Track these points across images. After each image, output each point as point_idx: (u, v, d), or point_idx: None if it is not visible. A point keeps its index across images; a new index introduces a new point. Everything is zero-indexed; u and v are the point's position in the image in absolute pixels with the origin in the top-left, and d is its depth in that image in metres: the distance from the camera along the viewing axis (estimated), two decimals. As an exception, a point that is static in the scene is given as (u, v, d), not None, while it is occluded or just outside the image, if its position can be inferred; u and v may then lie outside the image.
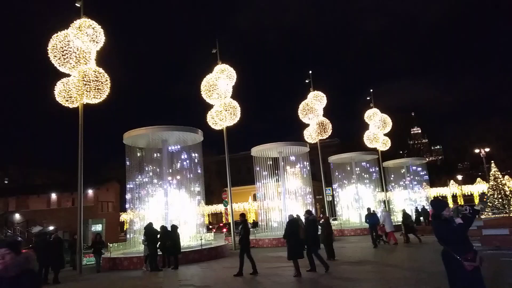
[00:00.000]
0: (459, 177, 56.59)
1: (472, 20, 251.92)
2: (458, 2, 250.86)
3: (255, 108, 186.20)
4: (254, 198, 45.52)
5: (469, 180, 59.20)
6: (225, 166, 24.06)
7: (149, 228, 15.39)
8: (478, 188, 50.80)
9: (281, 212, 23.78)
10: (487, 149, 46.22)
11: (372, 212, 19.10)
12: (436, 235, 5.04)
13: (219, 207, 55.82)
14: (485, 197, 28.96)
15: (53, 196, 43.90)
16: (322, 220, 15.15)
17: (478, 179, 53.12)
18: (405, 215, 19.15)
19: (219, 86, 22.89)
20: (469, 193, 52.53)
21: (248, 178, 54.77)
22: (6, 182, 62.71)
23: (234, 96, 23.98)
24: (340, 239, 22.83)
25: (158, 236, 15.25)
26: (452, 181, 54.34)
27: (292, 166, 25.66)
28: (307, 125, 31.73)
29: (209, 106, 24.13)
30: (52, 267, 13.74)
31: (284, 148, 24.66)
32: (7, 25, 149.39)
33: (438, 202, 5.40)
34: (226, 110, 23.16)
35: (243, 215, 13.30)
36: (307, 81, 31.67)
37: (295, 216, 12.66)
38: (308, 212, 13.30)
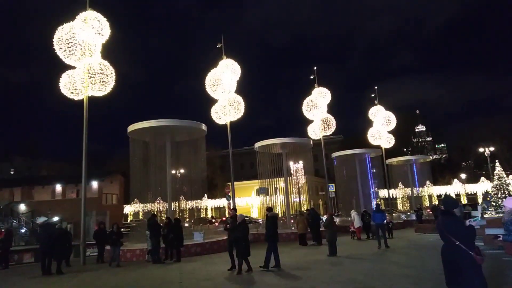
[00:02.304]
0: (463, 176, 56.25)
1: (479, 20, 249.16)
2: (467, 3, 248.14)
3: (260, 103, 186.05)
4: (257, 193, 45.66)
5: (473, 179, 58.93)
6: (228, 160, 24.13)
7: (151, 221, 15.48)
8: (482, 187, 50.58)
9: (283, 207, 23.85)
10: (492, 148, 45.92)
11: (380, 209, 17.86)
12: (449, 230, 5.10)
13: (222, 202, 56.07)
14: (489, 196, 28.85)
15: (58, 187, 44.28)
16: (326, 216, 15.12)
17: (482, 178, 52.87)
18: (363, 213, 21.58)
19: (224, 80, 22.88)
20: (473, 192, 52.33)
21: (251, 173, 54.90)
22: (11, 172, 63.21)
23: (238, 91, 24.00)
24: (343, 236, 22.81)
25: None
26: (456, 180, 54.13)
27: (295, 161, 25.72)
28: (311, 121, 31.68)
29: (214, 101, 24.15)
30: (55, 258, 13.83)
31: (287, 144, 24.67)
32: (14, 18, 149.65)
33: (452, 199, 5.64)
34: (230, 105, 23.17)
35: (235, 210, 13.08)
36: (311, 77, 31.56)
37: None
38: (268, 209, 13.18)
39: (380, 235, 16.15)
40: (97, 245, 17.04)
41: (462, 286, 4.93)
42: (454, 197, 49.94)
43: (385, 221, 17.29)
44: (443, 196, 48.51)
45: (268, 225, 12.27)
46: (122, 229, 20.70)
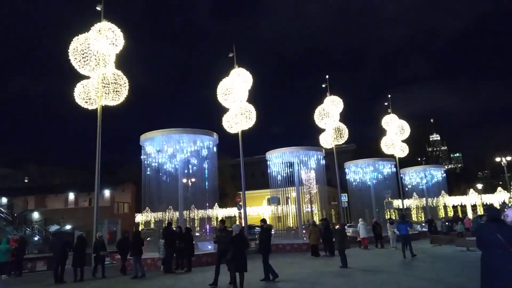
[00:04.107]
0: (479, 186, 55.05)
1: (493, 28, 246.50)
2: (480, 12, 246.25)
3: (271, 112, 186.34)
4: (269, 202, 45.39)
5: (490, 189, 57.61)
6: (239, 169, 24.04)
7: (167, 230, 15.43)
8: (499, 197, 49.36)
9: (296, 218, 23.59)
10: (509, 158, 44.91)
11: (405, 220, 17.42)
12: (506, 237, 5.12)
13: (233, 211, 55.84)
14: (506, 206, 28.12)
15: (71, 195, 44.77)
16: (338, 226, 14.89)
17: (499, 189, 51.64)
18: (374, 225, 21.81)
19: (235, 89, 22.94)
20: (489, 203, 51.09)
21: (262, 182, 54.63)
22: (26, 181, 64.16)
23: (250, 100, 24.02)
24: (355, 246, 22.42)
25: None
26: (471, 190, 53.00)
27: (307, 171, 25.49)
28: (323, 130, 31.46)
29: (225, 110, 24.20)
30: (72, 265, 13.83)
31: (299, 153, 24.50)
32: (31, 29, 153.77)
33: (497, 209, 6.16)
34: (241, 114, 23.18)
35: (223, 222, 12.17)
36: (323, 85, 31.41)
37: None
38: (263, 221, 12.88)
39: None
40: (120, 255, 15.96)
41: None
42: (471, 208, 48.91)
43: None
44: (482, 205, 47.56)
45: (263, 238, 12.02)
46: (148, 238, 19.96)
